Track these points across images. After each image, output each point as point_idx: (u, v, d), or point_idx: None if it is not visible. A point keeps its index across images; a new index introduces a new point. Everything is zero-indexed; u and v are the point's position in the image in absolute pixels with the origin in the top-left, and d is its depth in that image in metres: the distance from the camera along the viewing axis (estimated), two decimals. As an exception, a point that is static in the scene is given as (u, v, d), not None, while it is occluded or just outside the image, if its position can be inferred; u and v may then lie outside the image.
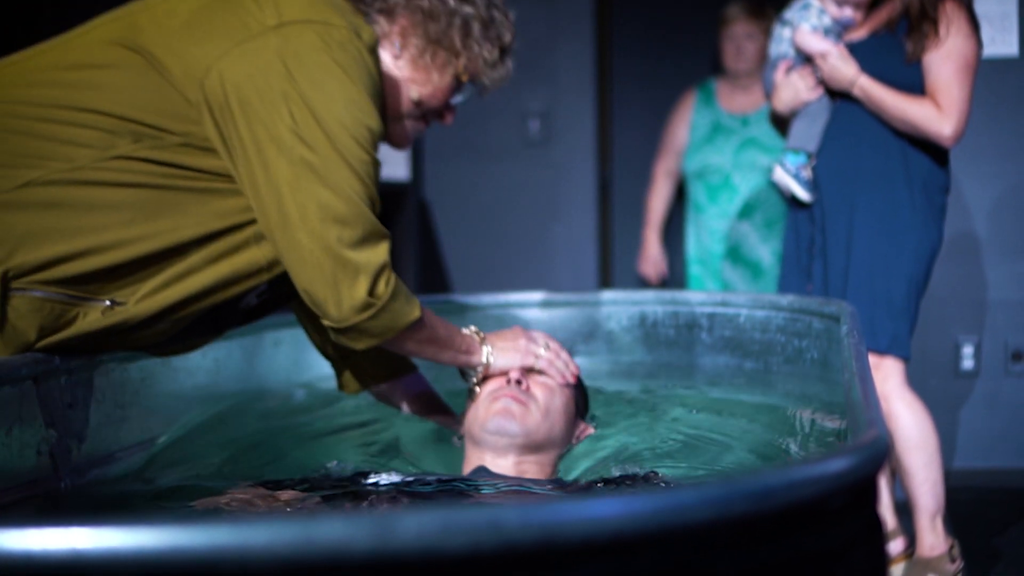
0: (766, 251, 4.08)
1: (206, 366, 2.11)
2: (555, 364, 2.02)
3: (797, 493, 0.86)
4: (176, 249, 1.69)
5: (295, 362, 2.37)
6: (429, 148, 4.85)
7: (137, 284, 1.68)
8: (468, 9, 1.89)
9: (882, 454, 0.97)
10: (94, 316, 1.67)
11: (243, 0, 1.70)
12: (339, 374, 2.14)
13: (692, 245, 4.25)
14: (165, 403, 1.98)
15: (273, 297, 1.92)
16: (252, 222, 1.72)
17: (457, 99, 1.97)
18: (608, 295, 2.56)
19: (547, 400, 1.96)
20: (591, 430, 2.09)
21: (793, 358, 2.17)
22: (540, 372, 2.00)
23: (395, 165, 4.79)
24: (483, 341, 1.99)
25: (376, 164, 1.73)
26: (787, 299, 2.23)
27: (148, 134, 1.65)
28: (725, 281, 4.18)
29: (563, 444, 1.99)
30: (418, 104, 1.94)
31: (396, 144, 2.00)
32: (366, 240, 1.68)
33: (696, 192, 4.22)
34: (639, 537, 0.79)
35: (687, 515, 0.80)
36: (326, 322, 1.74)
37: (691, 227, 4.26)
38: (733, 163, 4.12)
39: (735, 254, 4.14)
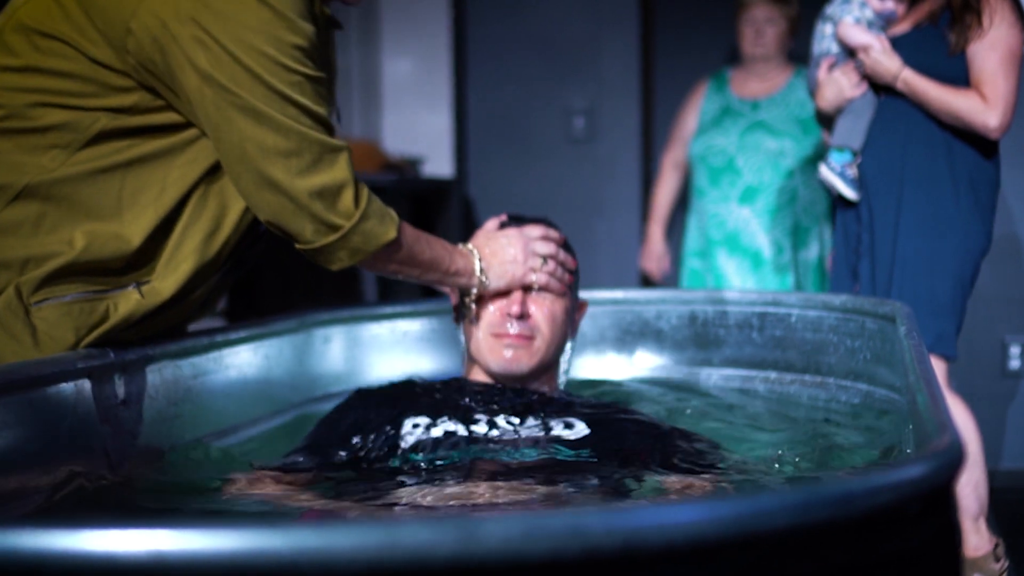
0: (766, 241, 3.88)
1: (257, 363, 2.12)
2: (555, 275, 1.99)
3: (877, 499, 0.86)
4: (173, 212, 1.66)
5: (346, 358, 2.37)
6: (473, 145, 4.85)
7: (153, 259, 1.66)
8: None
9: (958, 459, 0.96)
10: (126, 304, 1.65)
11: None
12: None
13: (692, 236, 4.04)
14: (217, 400, 1.99)
15: None
16: None
17: None
18: (658, 294, 2.54)
19: (550, 321, 1.97)
20: (586, 306, 2.16)
21: (846, 359, 2.15)
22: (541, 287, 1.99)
23: (440, 162, 4.80)
24: (476, 259, 1.94)
25: (315, 77, 1.62)
26: (840, 299, 2.21)
27: (103, 118, 1.60)
28: (720, 271, 3.96)
29: (567, 337, 2.04)
30: None
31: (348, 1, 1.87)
32: (317, 162, 1.61)
33: (699, 177, 4.01)
34: (721, 542, 0.79)
35: (768, 520, 0.80)
36: (298, 246, 1.69)
37: (692, 217, 4.06)
38: (738, 145, 3.92)
39: (733, 242, 3.92)
